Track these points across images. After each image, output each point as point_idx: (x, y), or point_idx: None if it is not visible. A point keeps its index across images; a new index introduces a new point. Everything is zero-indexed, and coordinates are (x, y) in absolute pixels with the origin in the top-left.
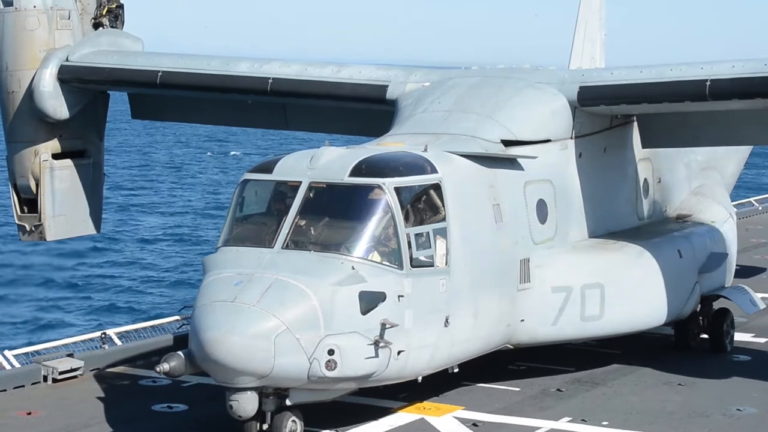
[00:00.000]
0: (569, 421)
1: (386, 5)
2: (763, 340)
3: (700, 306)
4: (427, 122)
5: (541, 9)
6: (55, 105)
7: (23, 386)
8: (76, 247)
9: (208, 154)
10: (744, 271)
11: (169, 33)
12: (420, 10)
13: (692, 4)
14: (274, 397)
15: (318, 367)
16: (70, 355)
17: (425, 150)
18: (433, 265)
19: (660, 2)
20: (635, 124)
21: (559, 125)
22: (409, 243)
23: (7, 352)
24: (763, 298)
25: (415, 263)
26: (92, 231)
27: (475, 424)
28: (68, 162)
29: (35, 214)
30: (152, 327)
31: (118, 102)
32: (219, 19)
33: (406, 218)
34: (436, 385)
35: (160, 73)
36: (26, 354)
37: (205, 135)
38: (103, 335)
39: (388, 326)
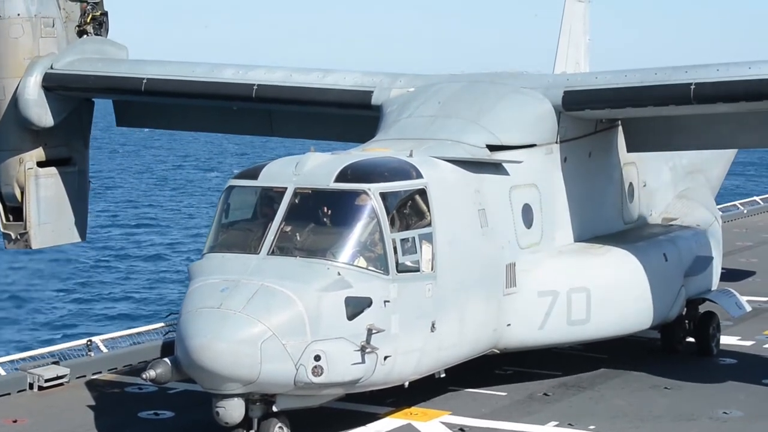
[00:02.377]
0: (556, 426)
1: (374, 18)
2: (749, 343)
3: (686, 309)
4: (413, 127)
5: (542, 10)
6: (40, 113)
7: (9, 394)
8: (62, 255)
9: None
10: (734, 275)
11: (156, 45)
12: (409, 22)
13: (677, 8)
14: (261, 403)
15: (304, 372)
16: (55, 363)
17: (410, 155)
18: (419, 270)
19: (644, 6)
20: (620, 128)
21: (544, 130)
22: (395, 248)
23: None
24: (749, 301)
25: (400, 268)
26: (78, 239)
27: (462, 429)
28: (53, 170)
29: (20, 223)
30: (138, 334)
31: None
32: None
33: (392, 223)
34: (422, 390)
35: (144, 81)
36: (12, 361)
37: (211, 152)
38: (88, 342)
39: (374, 332)
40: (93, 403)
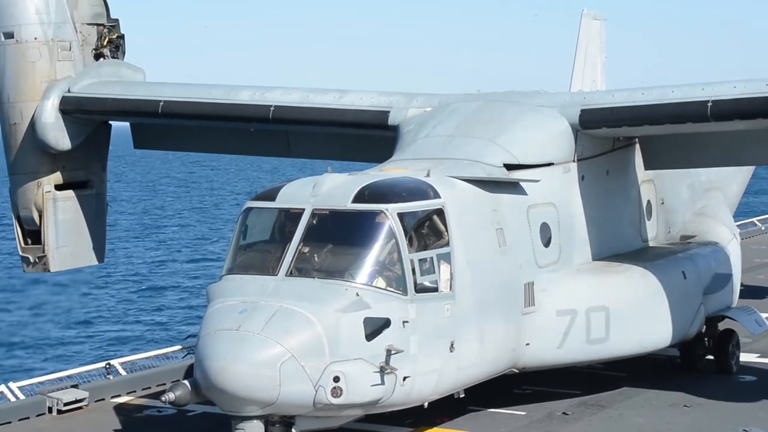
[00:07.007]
0: None
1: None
2: None
3: (705, 327)
4: (430, 147)
5: (542, 10)
6: (58, 136)
7: (28, 418)
8: (80, 278)
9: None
10: (754, 292)
11: (169, 66)
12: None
13: (694, 26)
14: (281, 425)
15: (324, 394)
16: (74, 386)
17: (428, 175)
18: (437, 290)
19: (660, 22)
20: (637, 146)
21: (561, 148)
22: (413, 268)
23: (11, 384)
24: None
25: (419, 288)
26: (95, 261)
27: None
28: (71, 193)
29: (39, 246)
30: (156, 357)
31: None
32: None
33: (410, 243)
34: (442, 410)
35: (161, 103)
36: (31, 385)
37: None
38: (107, 366)
39: (393, 352)
40: (112, 426)
